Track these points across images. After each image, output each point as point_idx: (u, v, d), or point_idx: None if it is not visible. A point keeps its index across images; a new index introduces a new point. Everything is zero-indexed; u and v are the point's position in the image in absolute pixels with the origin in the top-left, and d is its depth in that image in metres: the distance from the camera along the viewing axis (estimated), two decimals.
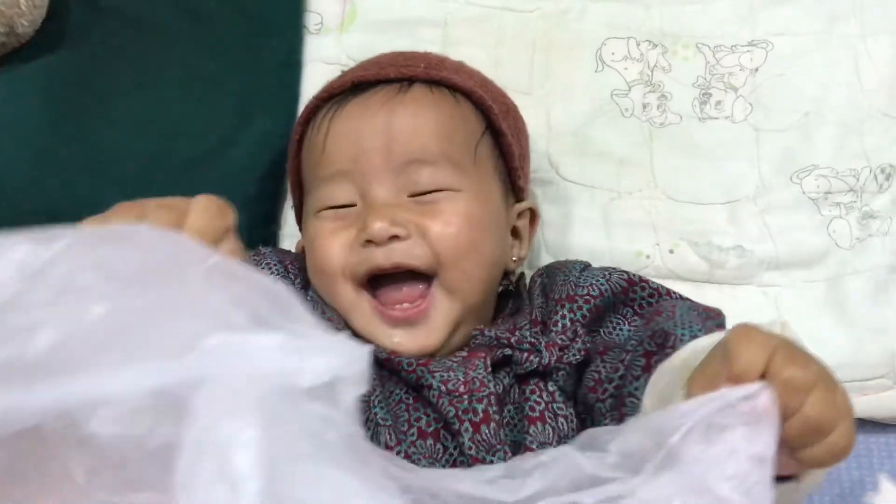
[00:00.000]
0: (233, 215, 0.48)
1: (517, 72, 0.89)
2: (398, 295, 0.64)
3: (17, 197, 0.76)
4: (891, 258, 0.81)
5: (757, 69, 0.90)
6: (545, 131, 0.86)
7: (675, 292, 0.67)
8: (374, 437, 0.59)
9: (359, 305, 0.64)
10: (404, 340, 0.63)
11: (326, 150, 0.66)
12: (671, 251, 0.81)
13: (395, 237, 0.62)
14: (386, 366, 0.62)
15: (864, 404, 0.77)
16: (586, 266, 0.69)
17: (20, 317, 0.37)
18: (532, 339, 0.62)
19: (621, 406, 0.58)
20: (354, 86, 0.68)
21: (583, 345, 0.63)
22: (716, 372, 0.44)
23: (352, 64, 0.87)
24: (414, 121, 0.66)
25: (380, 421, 0.59)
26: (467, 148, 0.68)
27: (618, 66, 0.90)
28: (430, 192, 0.65)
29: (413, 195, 0.65)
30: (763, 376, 0.43)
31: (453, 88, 0.70)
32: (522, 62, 0.89)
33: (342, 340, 0.39)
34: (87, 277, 0.39)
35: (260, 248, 0.70)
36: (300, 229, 0.74)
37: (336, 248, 0.64)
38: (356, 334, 0.65)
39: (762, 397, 0.42)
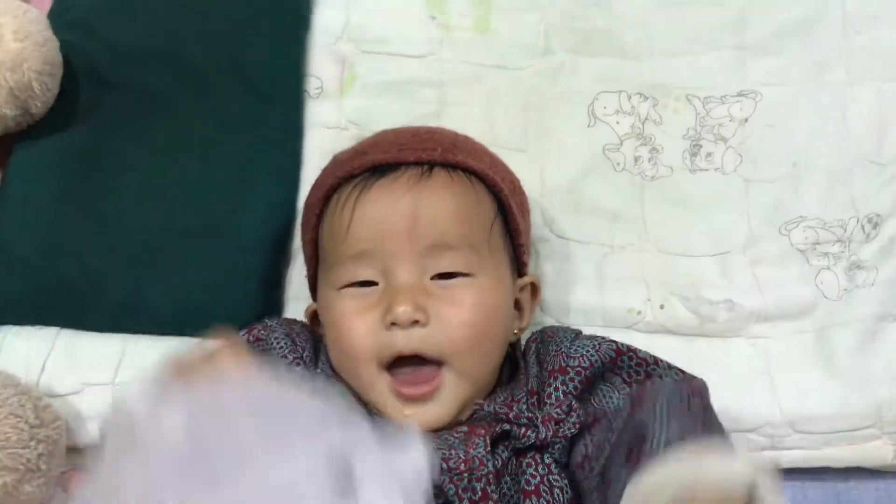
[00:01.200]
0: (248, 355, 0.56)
1: (511, 130, 0.91)
2: (412, 376, 0.67)
3: (30, 270, 0.80)
4: (877, 308, 0.83)
5: (746, 119, 0.92)
6: (539, 188, 0.88)
7: (662, 361, 0.70)
8: None
9: (377, 385, 0.68)
10: (410, 413, 0.67)
11: (351, 230, 0.69)
12: (662, 307, 0.83)
13: (415, 322, 0.66)
14: None
15: (853, 454, 0.79)
16: (577, 335, 0.72)
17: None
18: (529, 414, 0.66)
19: (606, 489, 0.60)
20: (374, 168, 0.71)
21: (577, 418, 0.66)
22: None
23: (352, 128, 0.91)
24: (437, 206, 0.69)
25: None
26: (483, 231, 0.71)
27: (610, 119, 0.93)
28: (450, 275, 0.69)
29: (434, 277, 0.68)
30: None
31: (469, 171, 0.73)
32: (516, 120, 0.92)
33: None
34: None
35: (266, 321, 0.73)
36: (313, 297, 0.77)
37: (362, 331, 0.67)
38: (365, 404, 0.68)
39: None
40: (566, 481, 0.65)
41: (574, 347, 0.70)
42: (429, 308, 0.66)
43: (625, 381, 0.68)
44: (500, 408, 0.66)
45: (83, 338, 0.79)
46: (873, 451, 0.79)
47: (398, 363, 0.67)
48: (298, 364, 0.68)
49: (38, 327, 0.79)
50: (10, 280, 0.80)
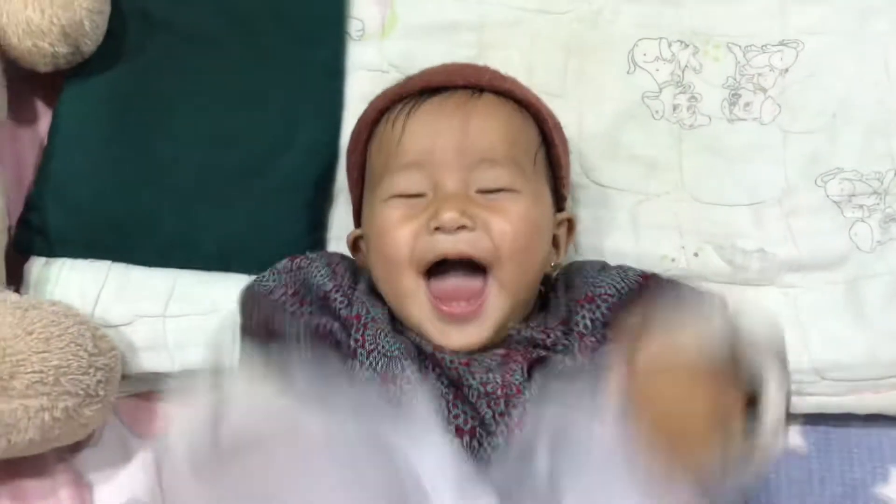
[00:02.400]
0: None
1: (550, 75, 0.92)
2: (454, 289, 0.68)
3: (82, 207, 0.83)
4: None
5: (787, 69, 0.92)
6: (577, 134, 0.89)
7: (686, 285, 0.71)
8: None
9: (417, 295, 0.68)
10: (455, 336, 0.67)
11: (402, 143, 0.71)
12: (696, 254, 0.85)
13: (462, 227, 0.67)
14: (430, 360, 0.67)
15: (878, 401, 0.81)
16: (604, 266, 0.74)
17: None
18: (565, 341, 0.67)
19: None
20: (424, 90, 0.73)
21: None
22: None
23: (393, 71, 0.91)
24: (486, 124, 0.71)
25: None
26: (528, 154, 0.73)
27: (649, 67, 0.93)
28: (495, 190, 0.70)
29: (480, 191, 0.70)
30: None
31: (516, 100, 0.75)
32: (556, 65, 0.92)
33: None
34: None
35: (307, 253, 0.75)
36: (356, 224, 0.79)
37: (405, 234, 0.68)
38: (403, 321, 0.69)
39: None
40: None
41: (601, 277, 0.72)
42: (475, 216, 0.68)
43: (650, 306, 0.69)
44: (538, 334, 0.68)
45: (134, 272, 0.81)
46: None
47: (439, 275, 0.68)
48: (338, 290, 0.70)
49: (90, 261, 0.82)
50: (62, 215, 0.82)
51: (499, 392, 0.64)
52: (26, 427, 0.69)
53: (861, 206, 0.86)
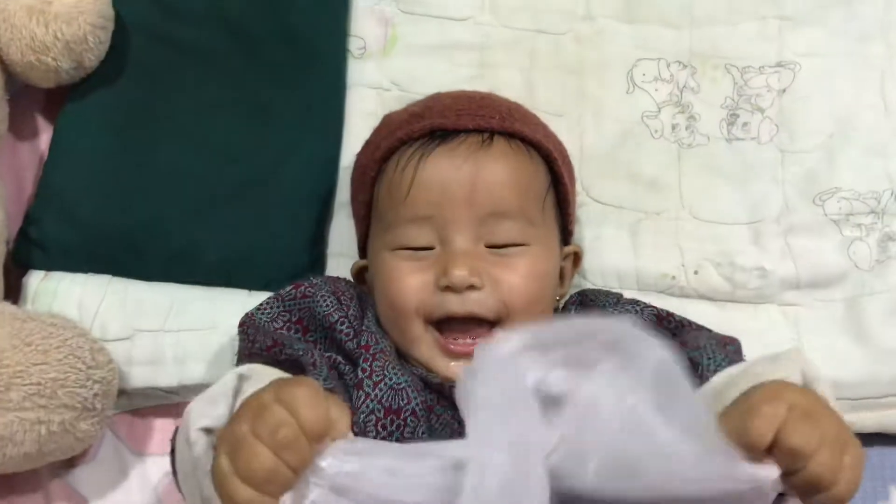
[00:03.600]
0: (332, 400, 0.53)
1: (550, 94, 0.93)
2: (462, 333, 0.69)
3: (81, 221, 0.83)
4: None
5: (784, 90, 0.93)
6: (577, 153, 0.89)
7: (695, 323, 0.72)
8: None
9: (424, 339, 0.69)
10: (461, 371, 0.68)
11: (412, 194, 0.70)
12: (696, 272, 0.85)
13: (471, 286, 0.67)
14: (437, 390, 0.66)
15: (878, 419, 0.81)
16: (619, 299, 0.74)
17: None
18: None
19: None
20: (433, 132, 0.73)
21: None
22: (736, 429, 0.50)
23: (394, 89, 0.92)
24: (497, 175, 0.71)
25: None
26: (538, 201, 0.73)
27: (648, 87, 0.94)
28: (505, 245, 0.70)
29: (489, 246, 0.70)
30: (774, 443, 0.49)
31: (525, 141, 0.75)
32: (556, 85, 0.93)
33: None
34: None
35: (311, 278, 0.73)
36: (361, 255, 0.79)
37: (413, 288, 0.68)
38: (408, 359, 0.69)
39: (766, 480, 0.49)
40: None
41: (617, 311, 0.71)
42: (483, 274, 0.68)
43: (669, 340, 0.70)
44: None
45: (133, 286, 0.81)
46: None
47: (447, 325, 0.69)
48: (343, 322, 0.69)
49: (89, 275, 0.81)
50: (62, 229, 0.82)
51: None
52: (22, 440, 0.69)
53: (859, 226, 0.87)
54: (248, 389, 0.56)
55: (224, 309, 0.80)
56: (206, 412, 0.55)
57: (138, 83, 0.88)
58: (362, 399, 0.64)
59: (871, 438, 0.82)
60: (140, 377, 0.78)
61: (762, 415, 0.49)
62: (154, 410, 0.82)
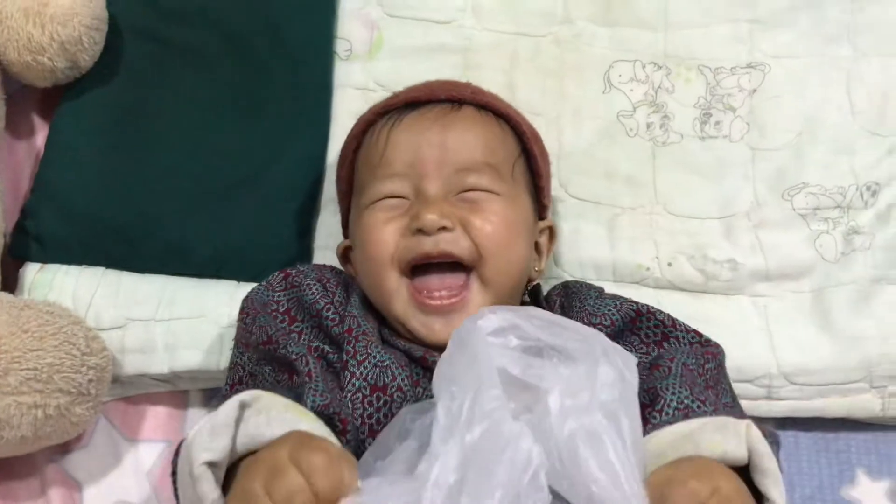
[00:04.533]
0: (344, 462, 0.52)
1: (531, 94, 0.96)
2: (436, 283, 0.71)
3: (76, 215, 0.86)
4: (872, 272, 0.87)
5: (755, 90, 0.97)
6: (556, 151, 0.92)
7: (679, 323, 0.73)
8: None
9: (399, 292, 0.71)
10: (437, 328, 0.70)
11: (385, 155, 0.74)
12: (669, 264, 0.88)
13: (443, 228, 0.70)
14: (421, 365, 0.69)
15: (844, 405, 0.84)
16: (601, 293, 0.77)
17: None
18: None
19: None
20: (408, 104, 0.77)
21: None
22: (660, 490, 0.52)
23: (380, 90, 0.95)
24: (464, 135, 0.74)
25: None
26: (507, 163, 0.77)
27: (624, 87, 0.97)
28: (473, 190, 0.73)
29: (459, 194, 0.73)
30: None
31: (496, 113, 0.78)
32: (536, 85, 0.96)
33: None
34: None
35: (297, 266, 0.76)
36: (345, 234, 0.81)
37: (388, 234, 0.71)
38: (390, 320, 0.72)
39: None
40: None
41: (597, 305, 0.74)
42: (453, 217, 0.70)
43: (642, 342, 0.72)
44: None
45: (126, 277, 0.84)
46: (863, 404, 0.84)
47: (422, 274, 0.71)
48: (329, 308, 0.71)
49: (84, 267, 0.84)
50: (58, 223, 0.85)
51: None
52: (19, 423, 0.71)
53: (826, 220, 0.90)
54: (251, 418, 0.57)
55: (213, 298, 0.83)
56: (209, 445, 0.55)
57: (131, 82, 0.91)
58: (348, 378, 0.66)
59: (838, 424, 0.86)
60: (132, 365, 0.81)
61: (687, 489, 0.52)
62: (146, 398, 0.84)
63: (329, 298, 0.72)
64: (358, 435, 0.64)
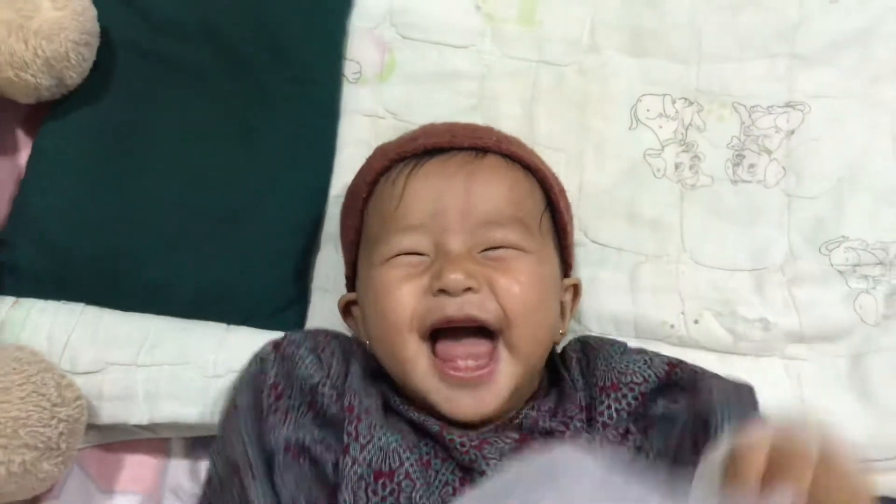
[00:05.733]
0: None
1: (551, 127, 0.89)
2: (461, 351, 0.64)
3: (56, 246, 0.80)
4: None
5: (792, 132, 0.90)
6: (576, 191, 0.86)
7: (708, 371, 0.68)
8: None
9: (419, 360, 0.64)
10: (465, 403, 0.63)
11: (403, 203, 0.67)
12: (696, 321, 0.82)
13: (468, 289, 0.63)
14: (436, 443, 0.62)
15: (883, 484, 0.77)
16: (625, 348, 0.70)
17: None
18: (587, 434, 0.63)
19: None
20: (427, 150, 0.70)
21: (634, 443, 0.63)
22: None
23: (390, 118, 0.89)
24: (490, 186, 0.68)
25: None
26: (534, 217, 0.70)
27: (652, 123, 0.91)
28: (500, 247, 0.67)
29: (484, 251, 0.67)
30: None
31: (521, 163, 0.72)
32: (557, 118, 0.90)
33: None
34: None
35: (289, 334, 0.69)
36: (350, 287, 0.75)
37: (406, 294, 0.64)
38: (411, 393, 0.65)
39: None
40: None
41: (625, 362, 0.68)
42: (479, 276, 0.64)
43: (681, 390, 0.66)
44: (557, 425, 0.64)
45: (106, 316, 0.78)
46: None
47: (442, 338, 0.64)
48: (325, 384, 0.64)
49: (62, 303, 0.78)
50: (35, 254, 0.79)
51: None
52: None
53: (866, 277, 0.84)
54: None
55: (199, 342, 0.77)
56: None
57: (122, 102, 0.85)
58: (349, 466, 0.60)
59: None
60: (110, 413, 0.75)
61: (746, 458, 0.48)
62: (124, 445, 0.78)
63: (325, 372, 0.65)
64: None
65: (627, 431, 0.64)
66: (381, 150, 0.75)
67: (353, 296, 0.73)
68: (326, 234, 0.83)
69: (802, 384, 0.80)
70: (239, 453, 0.60)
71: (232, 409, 0.64)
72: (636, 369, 0.67)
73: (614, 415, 0.65)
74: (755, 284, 0.84)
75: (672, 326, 0.81)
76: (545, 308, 0.67)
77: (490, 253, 0.66)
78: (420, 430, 0.63)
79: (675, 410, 0.65)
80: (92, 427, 0.75)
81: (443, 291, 0.63)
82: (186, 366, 0.75)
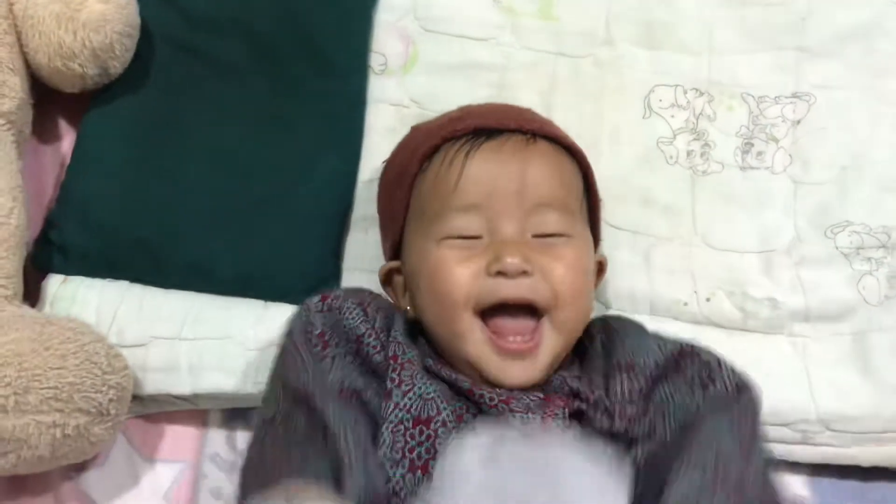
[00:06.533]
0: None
1: (568, 116, 0.92)
2: (511, 327, 0.69)
3: (102, 227, 0.84)
4: None
5: (799, 121, 0.94)
6: None
7: (724, 364, 0.70)
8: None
9: (473, 332, 0.69)
10: (513, 371, 0.68)
11: (461, 184, 0.72)
12: (707, 300, 0.86)
13: (523, 272, 0.69)
14: (466, 396, 0.67)
15: (881, 454, 0.81)
16: (643, 331, 0.75)
17: None
18: (607, 402, 0.68)
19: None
20: (477, 130, 0.74)
21: (649, 422, 0.67)
22: None
23: (414, 106, 0.93)
24: (543, 171, 0.73)
25: None
26: (577, 200, 0.76)
27: (665, 113, 0.95)
28: (550, 235, 0.72)
29: (535, 236, 0.71)
30: None
31: (564, 145, 0.77)
32: (573, 108, 0.94)
33: None
34: None
35: (334, 291, 0.74)
36: (391, 256, 0.78)
37: (464, 276, 0.69)
38: (456, 356, 0.70)
39: None
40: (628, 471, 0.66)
41: (638, 344, 0.72)
42: (535, 261, 0.69)
43: (687, 384, 0.69)
44: (584, 387, 0.68)
45: (150, 293, 0.82)
46: None
47: (493, 314, 0.69)
48: (371, 335, 0.69)
49: (108, 280, 0.82)
50: (82, 234, 0.83)
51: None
52: (37, 443, 0.70)
53: (869, 259, 0.88)
54: None
55: (239, 319, 0.81)
56: None
57: (161, 92, 0.89)
58: (391, 409, 0.65)
59: (873, 473, 0.83)
60: (154, 384, 0.79)
61: None
62: (166, 416, 0.83)
63: (370, 324, 0.70)
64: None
65: (645, 410, 0.68)
66: (425, 129, 0.78)
67: (395, 264, 0.77)
68: (356, 217, 0.88)
69: (807, 361, 0.84)
70: (303, 383, 0.65)
71: (290, 348, 0.68)
72: (648, 352, 0.71)
73: (626, 393, 0.69)
74: (764, 266, 0.88)
75: (685, 304, 0.85)
76: (588, 290, 0.73)
77: (541, 238, 0.71)
78: (453, 388, 0.68)
79: (676, 404, 0.68)
80: (136, 398, 0.79)
81: (500, 274, 0.68)
82: (227, 340, 0.80)
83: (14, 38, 0.84)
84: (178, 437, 0.82)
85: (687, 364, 0.70)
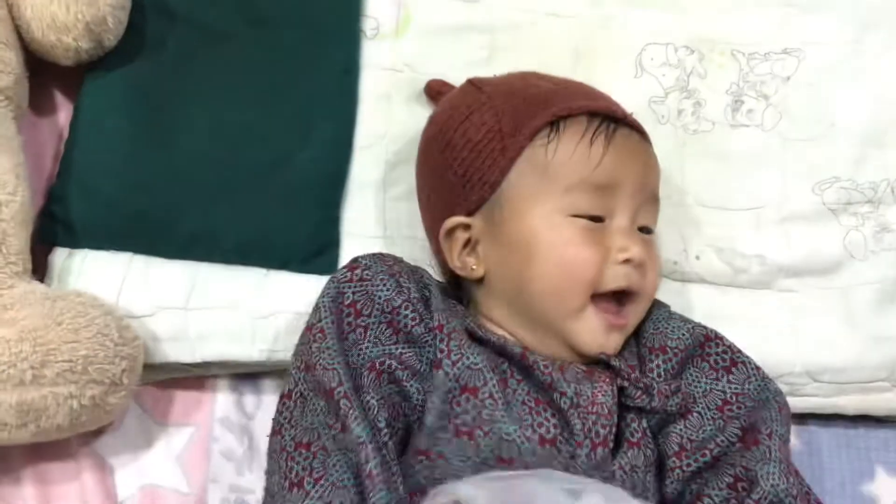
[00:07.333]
0: None
1: (560, 77, 0.94)
2: (603, 305, 0.73)
3: (105, 199, 0.85)
4: None
5: (788, 78, 0.95)
6: None
7: (743, 352, 0.76)
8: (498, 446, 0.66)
9: (587, 307, 0.72)
10: (611, 343, 0.73)
11: (604, 163, 0.74)
12: (697, 257, 0.88)
13: (640, 264, 0.73)
14: (517, 364, 0.70)
15: (865, 402, 0.85)
16: (670, 313, 0.79)
17: None
18: (646, 381, 0.72)
19: (694, 498, 0.68)
20: (591, 113, 0.76)
21: (682, 400, 0.72)
22: None
23: (407, 70, 0.93)
24: (655, 168, 0.79)
25: (505, 431, 0.67)
26: None
27: (656, 72, 0.96)
28: (649, 230, 0.77)
29: (640, 228, 0.76)
30: None
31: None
32: (565, 68, 0.93)
33: None
34: None
35: (359, 259, 0.74)
36: (448, 212, 0.77)
37: (595, 258, 0.72)
38: (555, 328, 0.73)
39: None
40: (653, 448, 0.71)
41: (670, 327, 0.76)
42: (648, 255, 0.75)
43: (712, 367, 0.75)
44: (625, 366, 0.72)
45: (155, 263, 0.83)
46: (884, 402, 0.85)
47: (600, 297, 0.73)
48: (408, 306, 0.70)
49: (112, 252, 0.84)
50: (86, 207, 0.84)
51: (591, 408, 0.69)
52: (55, 413, 0.72)
53: (856, 215, 0.90)
54: None
55: (244, 287, 0.83)
56: None
57: (155, 64, 0.89)
58: (441, 378, 0.68)
59: (857, 420, 0.87)
60: (164, 352, 0.81)
61: None
62: (177, 382, 0.85)
63: (406, 295, 0.72)
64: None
65: (679, 388, 0.72)
66: (522, 96, 0.78)
67: (464, 220, 0.76)
68: (352, 182, 0.89)
69: (796, 315, 0.87)
70: (329, 378, 0.66)
71: (317, 332, 0.69)
72: (680, 335, 0.76)
73: (662, 374, 0.74)
74: (753, 222, 0.90)
75: (675, 263, 0.88)
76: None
77: (642, 232, 0.76)
78: (499, 352, 0.71)
79: (704, 386, 0.74)
80: (147, 366, 0.81)
81: (627, 261, 0.72)
82: (232, 308, 0.82)
83: (6, 12, 0.84)
84: (188, 401, 0.85)
85: (712, 348, 0.75)
